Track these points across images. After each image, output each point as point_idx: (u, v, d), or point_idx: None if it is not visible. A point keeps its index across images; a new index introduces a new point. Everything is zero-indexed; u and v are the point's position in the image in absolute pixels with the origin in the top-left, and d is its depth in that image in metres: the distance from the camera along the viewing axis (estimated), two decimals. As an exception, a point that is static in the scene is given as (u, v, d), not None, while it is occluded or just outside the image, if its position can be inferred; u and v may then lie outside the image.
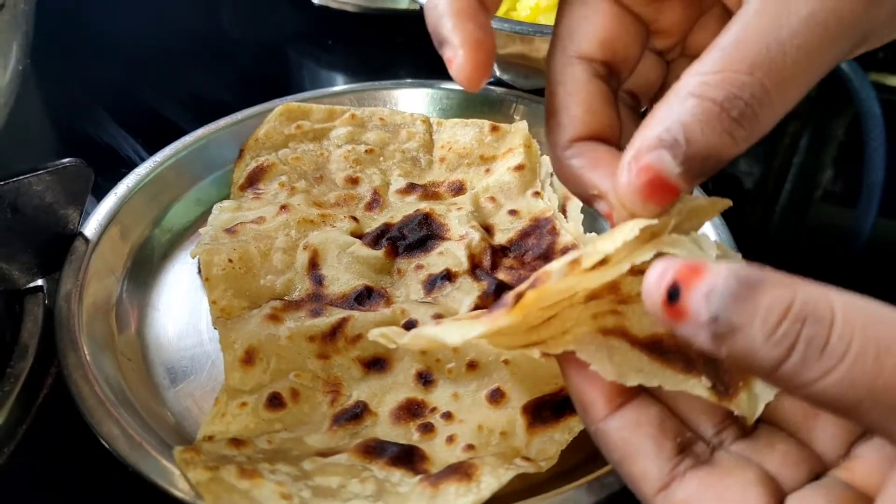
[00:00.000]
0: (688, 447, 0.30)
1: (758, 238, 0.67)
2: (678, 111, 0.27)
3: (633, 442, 0.29)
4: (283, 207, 0.54)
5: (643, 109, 0.39)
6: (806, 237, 0.71)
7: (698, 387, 0.29)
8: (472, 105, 0.63)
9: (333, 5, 0.89)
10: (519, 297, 0.29)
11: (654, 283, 0.25)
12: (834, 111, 0.88)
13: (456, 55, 0.32)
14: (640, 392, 0.31)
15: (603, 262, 0.29)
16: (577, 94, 0.33)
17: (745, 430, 0.31)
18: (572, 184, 0.34)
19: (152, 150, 0.57)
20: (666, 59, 0.38)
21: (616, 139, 0.34)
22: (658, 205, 0.28)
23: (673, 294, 0.25)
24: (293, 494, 0.34)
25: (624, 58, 0.35)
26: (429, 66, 0.68)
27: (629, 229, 0.28)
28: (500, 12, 0.64)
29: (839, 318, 0.23)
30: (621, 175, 0.28)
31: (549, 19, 0.62)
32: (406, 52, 0.84)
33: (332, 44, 0.89)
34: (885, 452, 0.27)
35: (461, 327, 0.31)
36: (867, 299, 0.24)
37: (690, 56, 0.37)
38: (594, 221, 0.56)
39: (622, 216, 0.30)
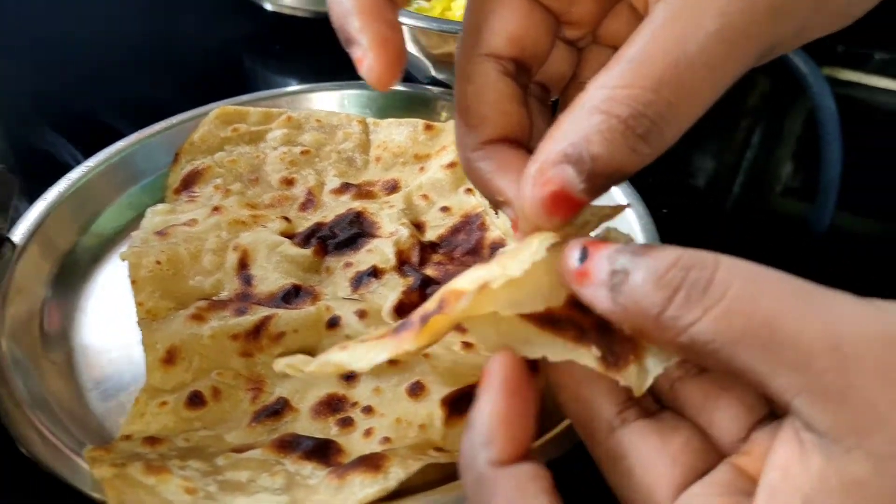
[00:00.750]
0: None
1: (709, 234, 0.67)
2: (583, 126, 0.27)
3: (529, 491, 0.27)
4: (216, 209, 0.54)
5: (553, 100, 0.39)
6: (764, 232, 0.71)
7: (587, 356, 0.29)
8: (408, 105, 0.63)
9: (286, 11, 0.89)
10: (426, 319, 0.29)
11: (568, 255, 0.27)
12: (788, 106, 0.89)
13: (365, 56, 0.31)
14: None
15: None
16: (486, 94, 0.33)
17: (648, 411, 0.31)
18: (480, 188, 0.33)
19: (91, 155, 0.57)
20: (577, 46, 0.38)
21: (526, 139, 0.34)
22: (561, 218, 0.28)
23: (581, 258, 0.26)
24: (199, 489, 0.34)
25: (534, 53, 0.35)
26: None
27: (535, 249, 0.28)
28: (436, 12, 0.65)
29: (722, 267, 0.24)
30: (525, 187, 0.28)
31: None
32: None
33: (285, 49, 0.90)
34: (778, 433, 0.27)
35: (367, 352, 0.31)
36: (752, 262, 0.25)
37: (602, 44, 0.37)
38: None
39: (526, 226, 0.30)
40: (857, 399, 0.23)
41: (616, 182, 0.28)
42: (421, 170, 0.59)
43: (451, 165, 0.57)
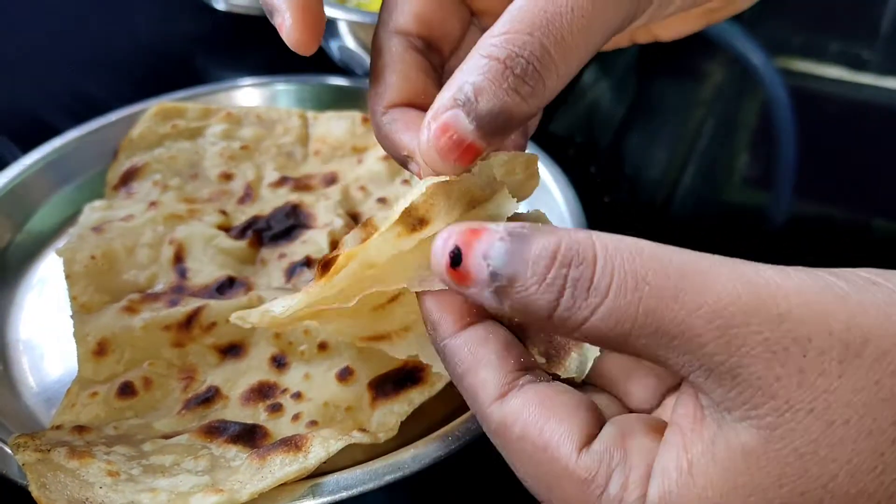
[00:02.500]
0: (530, 369, 0.30)
1: (656, 224, 0.69)
2: (470, 72, 0.29)
3: (479, 354, 0.30)
4: (153, 204, 0.54)
5: None
6: (716, 221, 0.73)
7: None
8: (347, 98, 0.64)
9: (237, 9, 0.89)
10: (328, 264, 0.31)
11: (439, 249, 0.27)
12: (742, 98, 0.91)
13: (284, 20, 0.33)
14: (490, 316, 0.31)
15: (422, 224, 0.30)
16: (394, 65, 0.35)
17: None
18: (388, 146, 0.35)
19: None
20: None
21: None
22: (459, 162, 0.30)
23: (456, 259, 0.26)
24: (122, 472, 0.35)
25: (441, 34, 0.37)
26: (329, 67, 0.70)
27: (421, 185, 0.30)
28: (374, 7, 0.66)
29: (601, 257, 0.25)
30: (422, 134, 0.30)
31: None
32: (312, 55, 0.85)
33: (237, 48, 0.90)
34: (681, 397, 0.28)
35: (285, 300, 0.33)
36: (627, 237, 0.26)
37: None
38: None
39: (427, 174, 0.31)
40: (746, 375, 0.24)
41: (506, 128, 0.29)
42: (359, 162, 0.59)
43: (388, 157, 0.58)
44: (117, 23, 0.92)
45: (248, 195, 0.57)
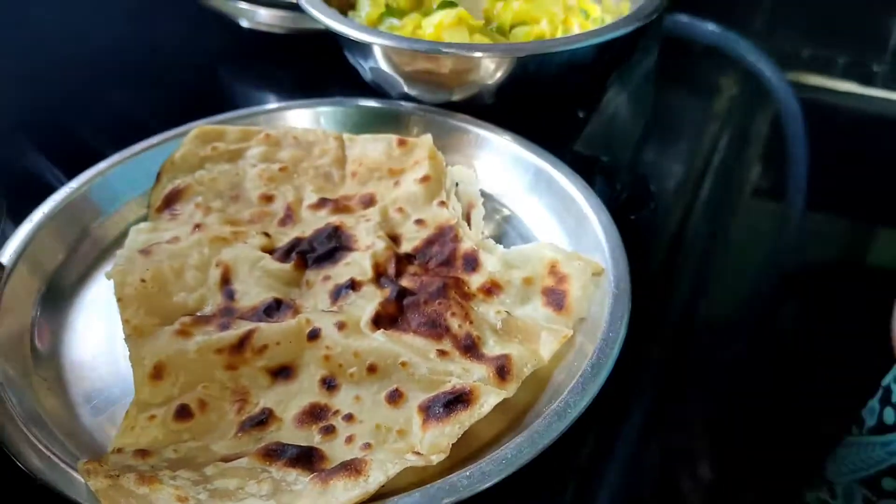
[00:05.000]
0: None
1: (679, 238, 0.70)
2: None
3: None
4: (197, 226, 0.56)
5: None
6: (734, 232, 0.74)
7: None
8: (381, 120, 0.66)
9: (261, 27, 0.91)
10: None
11: None
12: (755, 110, 0.92)
13: None
14: None
15: None
16: None
17: None
18: None
19: (73, 176, 0.59)
20: None
21: None
22: None
23: None
24: (190, 497, 0.36)
25: None
26: (354, 84, 0.72)
27: None
28: (407, 31, 0.67)
29: None
30: None
31: (451, 36, 0.65)
32: (333, 70, 0.86)
33: (261, 64, 0.91)
34: None
35: None
36: None
37: None
38: (496, 230, 0.59)
39: None
40: None
41: None
42: (396, 184, 0.61)
43: (425, 179, 0.59)
44: (143, 40, 0.94)
45: (289, 217, 0.59)
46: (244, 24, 0.92)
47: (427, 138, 0.62)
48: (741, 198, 0.78)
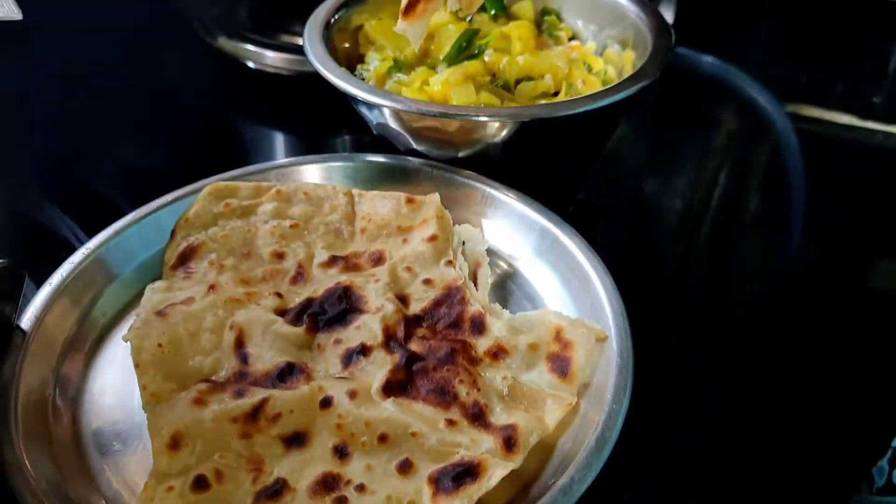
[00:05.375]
0: None
1: (681, 274, 0.72)
2: None
3: None
4: (212, 287, 0.57)
5: None
6: (733, 264, 0.75)
7: None
8: (391, 175, 0.67)
9: (269, 69, 0.93)
10: None
11: None
12: (754, 141, 0.93)
13: None
14: None
15: None
16: None
17: None
18: None
19: (88, 230, 0.61)
20: None
21: None
22: None
23: None
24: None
25: None
26: (362, 127, 0.73)
27: None
28: (414, 87, 0.69)
29: None
30: None
31: (458, 93, 0.67)
32: (340, 112, 0.88)
33: (269, 105, 0.93)
34: None
35: None
36: None
37: None
38: (501, 289, 0.60)
39: None
40: None
41: None
42: (404, 241, 0.62)
43: (433, 238, 0.61)
44: (148, 84, 0.95)
45: (300, 275, 0.60)
46: (251, 65, 0.93)
47: (434, 197, 0.63)
48: (741, 229, 0.79)
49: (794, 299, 0.68)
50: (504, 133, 0.63)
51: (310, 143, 0.89)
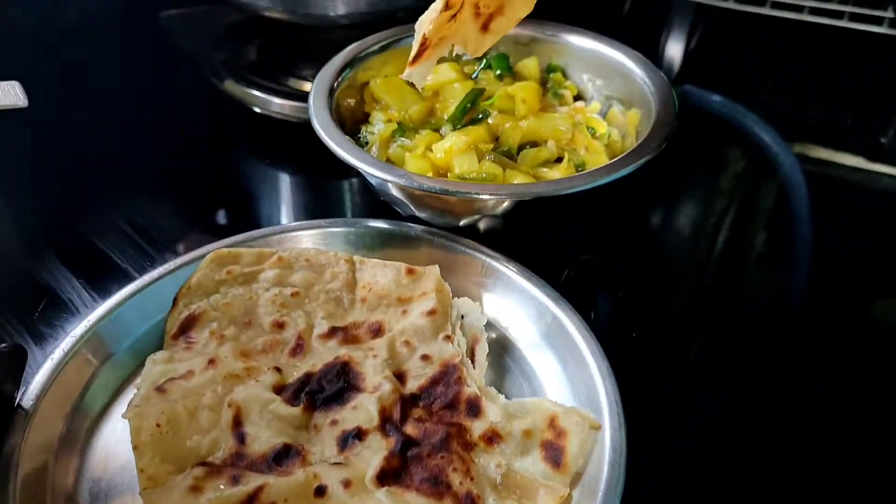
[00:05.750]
0: None
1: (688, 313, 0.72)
2: None
3: None
4: (211, 361, 0.58)
5: None
6: (740, 305, 0.75)
7: None
8: (392, 242, 0.68)
9: (274, 115, 0.93)
10: None
11: None
12: (761, 180, 0.93)
13: None
14: None
15: None
16: None
17: None
18: None
19: (94, 289, 0.61)
20: None
21: None
22: None
23: None
24: None
25: None
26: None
27: None
28: (418, 152, 0.69)
29: None
30: None
31: (461, 161, 0.67)
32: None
33: (274, 150, 0.94)
34: None
35: None
36: None
37: None
38: (498, 364, 0.61)
39: None
40: None
41: None
42: (403, 313, 0.63)
43: (432, 313, 0.61)
44: (153, 133, 0.96)
45: (300, 346, 0.61)
46: (257, 110, 0.94)
47: (434, 270, 0.63)
48: (746, 269, 0.80)
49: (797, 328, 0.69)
50: (504, 207, 0.63)
51: (316, 191, 0.89)
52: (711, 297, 0.76)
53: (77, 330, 0.59)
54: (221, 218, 0.82)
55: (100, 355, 0.59)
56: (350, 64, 0.78)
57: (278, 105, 0.92)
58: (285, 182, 0.91)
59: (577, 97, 0.82)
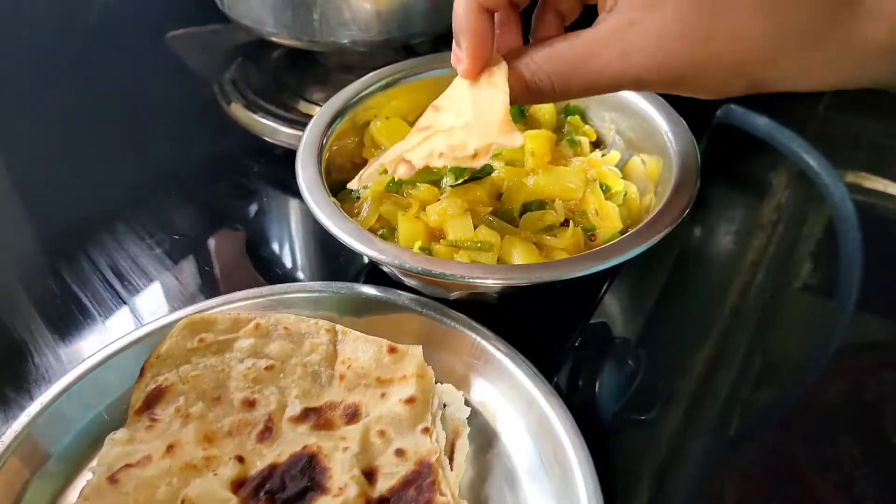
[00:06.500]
0: None
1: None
2: (515, 62, 0.51)
3: None
4: (170, 448, 0.54)
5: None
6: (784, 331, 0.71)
7: None
8: (377, 308, 0.63)
9: (282, 143, 0.89)
10: None
11: None
12: (808, 207, 0.87)
13: (460, 59, 0.53)
14: None
15: None
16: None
17: None
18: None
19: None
20: None
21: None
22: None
23: None
24: None
25: None
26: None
27: None
28: (411, 213, 0.64)
29: None
30: None
31: (454, 228, 0.62)
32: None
33: (283, 176, 0.88)
34: None
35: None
36: None
37: None
38: (480, 458, 0.56)
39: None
40: None
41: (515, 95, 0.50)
42: (382, 396, 0.58)
43: (411, 401, 0.56)
44: (168, 139, 0.92)
45: (269, 429, 0.57)
46: (266, 138, 0.90)
47: (417, 351, 0.59)
48: (788, 293, 0.75)
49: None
50: (497, 288, 0.58)
51: (314, 235, 0.84)
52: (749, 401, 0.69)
53: (32, 408, 0.55)
54: (203, 275, 0.76)
55: (56, 433, 0.56)
56: (351, 104, 0.72)
57: (285, 133, 0.88)
58: (283, 224, 0.85)
59: (596, 142, 0.75)
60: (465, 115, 0.51)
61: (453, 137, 0.51)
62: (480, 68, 0.51)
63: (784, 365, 0.69)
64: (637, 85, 0.47)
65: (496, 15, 0.52)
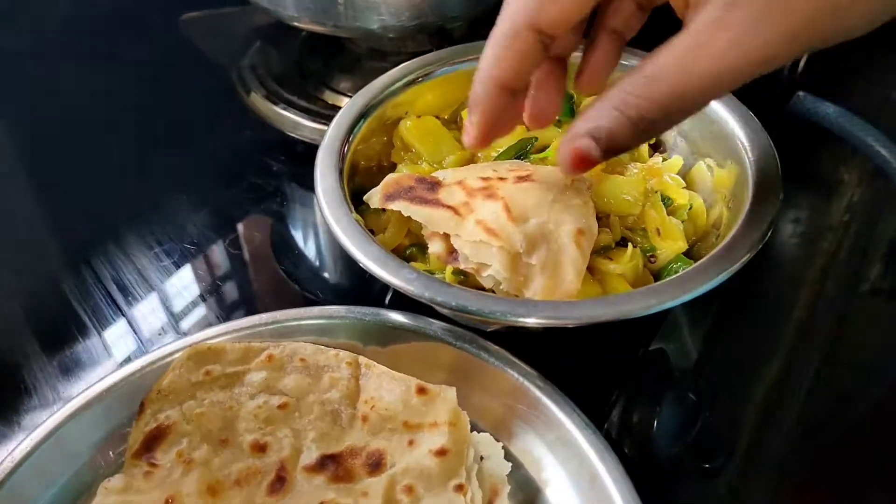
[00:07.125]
0: None
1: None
2: (605, 118, 0.41)
3: None
4: (169, 501, 0.48)
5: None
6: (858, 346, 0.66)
7: None
8: (406, 337, 0.56)
9: (304, 138, 0.82)
10: None
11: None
12: (881, 205, 0.80)
13: (468, 131, 0.50)
14: None
15: None
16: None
17: None
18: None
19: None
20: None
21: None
22: (581, 169, 0.44)
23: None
24: None
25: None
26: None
27: None
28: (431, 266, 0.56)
29: None
30: (561, 147, 0.44)
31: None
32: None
33: (303, 171, 0.81)
34: None
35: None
36: None
37: None
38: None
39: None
40: None
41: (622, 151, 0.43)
42: (410, 443, 0.51)
43: (442, 453, 0.49)
44: (188, 129, 0.86)
45: (281, 479, 0.50)
46: (287, 132, 0.82)
47: (450, 395, 0.51)
48: (855, 295, 0.70)
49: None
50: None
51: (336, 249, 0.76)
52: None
53: (17, 451, 0.49)
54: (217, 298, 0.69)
55: (49, 477, 0.50)
56: (380, 101, 0.64)
57: (307, 127, 0.80)
58: (303, 233, 0.78)
59: (656, 144, 0.67)
60: (540, 213, 0.52)
61: (514, 270, 0.51)
62: (488, 143, 0.51)
63: (856, 385, 0.61)
64: (764, 65, 0.38)
65: (536, 72, 0.50)
